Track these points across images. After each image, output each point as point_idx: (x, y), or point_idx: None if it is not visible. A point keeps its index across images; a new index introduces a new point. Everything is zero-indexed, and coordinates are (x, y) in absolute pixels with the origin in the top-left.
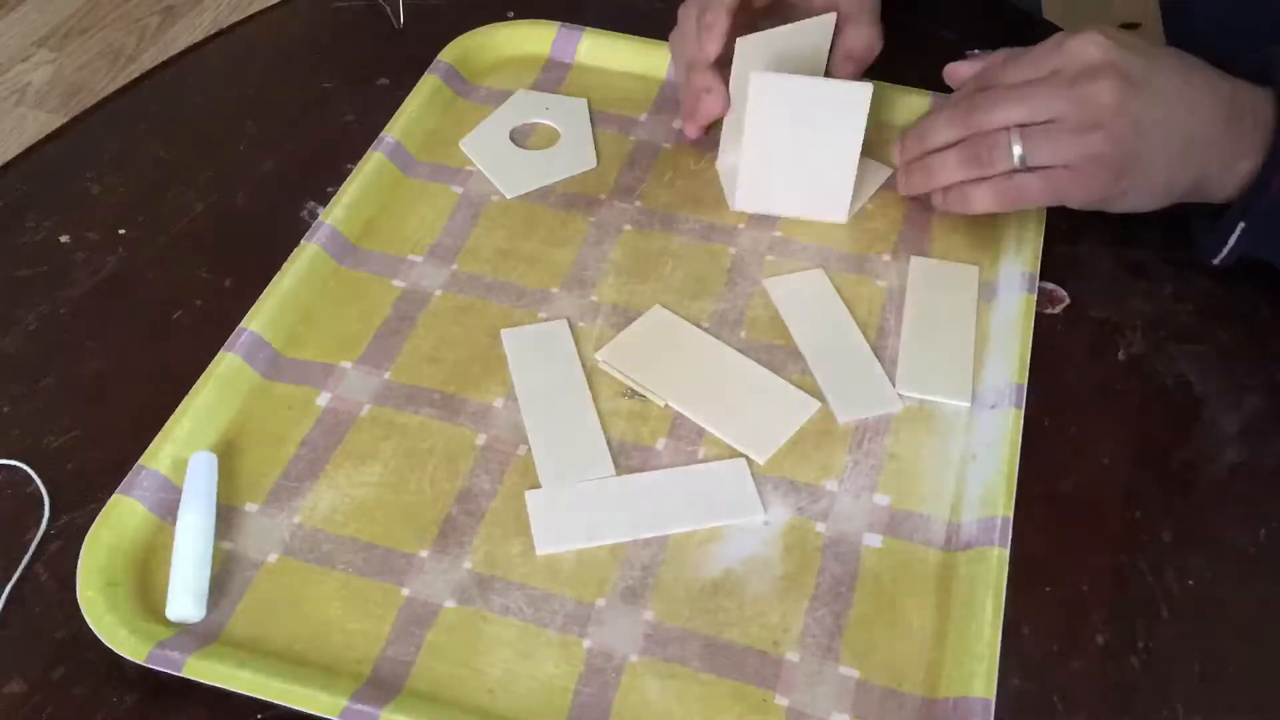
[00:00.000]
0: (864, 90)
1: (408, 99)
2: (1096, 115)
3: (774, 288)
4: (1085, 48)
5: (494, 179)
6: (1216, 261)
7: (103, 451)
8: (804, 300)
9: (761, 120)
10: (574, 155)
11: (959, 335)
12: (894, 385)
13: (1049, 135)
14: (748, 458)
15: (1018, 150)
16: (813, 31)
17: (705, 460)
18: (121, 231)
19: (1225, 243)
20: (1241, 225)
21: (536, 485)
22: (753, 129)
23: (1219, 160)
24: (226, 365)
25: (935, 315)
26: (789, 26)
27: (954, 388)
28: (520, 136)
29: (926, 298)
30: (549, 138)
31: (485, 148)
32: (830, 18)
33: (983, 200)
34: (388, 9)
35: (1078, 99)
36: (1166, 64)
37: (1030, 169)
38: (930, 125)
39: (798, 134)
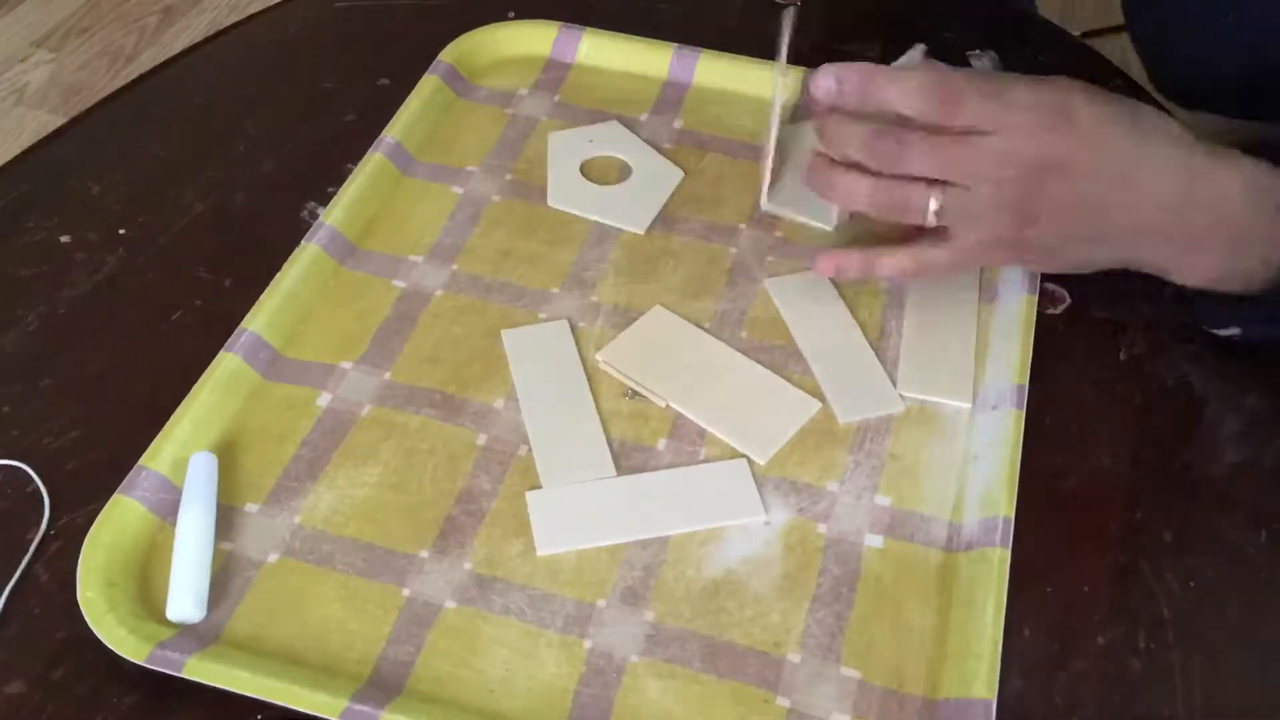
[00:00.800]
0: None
1: (408, 99)
2: (1014, 203)
3: (775, 288)
4: (1029, 129)
5: (616, 223)
6: (1223, 334)
7: (103, 451)
8: (805, 301)
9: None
10: (660, 174)
11: (959, 335)
12: (895, 386)
13: (965, 204)
14: (749, 458)
15: (933, 206)
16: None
17: (706, 460)
18: (121, 231)
19: (1227, 327)
20: (1236, 331)
21: (537, 485)
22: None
23: (1161, 251)
24: (226, 365)
25: (935, 315)
26: None
27: (955, 388)
28: (594, 175)
29: (926, 298)
30: (617, 167)
31: (577, 197)
32: (918, 50)
33: (889, 265)
34: None
35: (1000, 181)
36: (1116, 146)
37: (938, 231)
38: (831, 130)
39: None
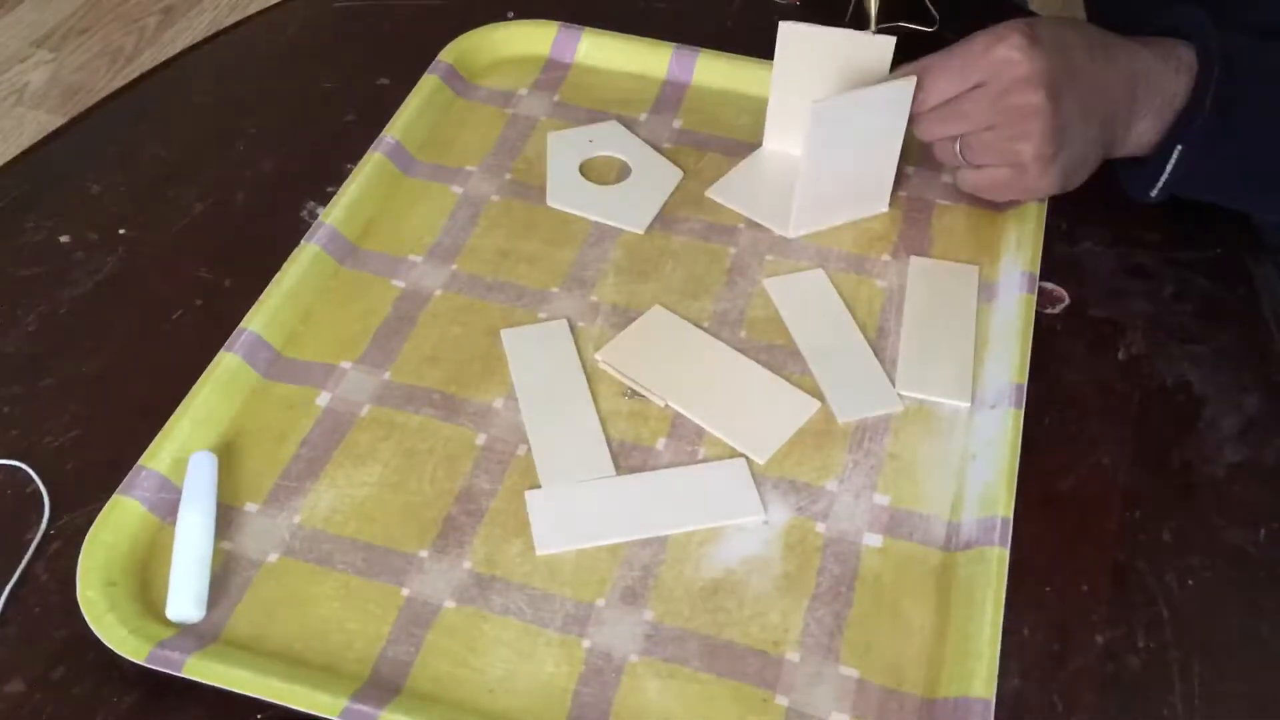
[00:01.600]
0: (908, 85)
1: (408, 99)
2: (1023, 127)
3: (774, 288)
4: (1009, 57)
5: (616, 223)
6: (1153, 194)
7: (103, 451)
8: (804, 300)
9: (818, 148)
10: (660, 174)
11: (959, 335)
12: (894, 385)
13: (983, 145)
14: (748, 458)
15: (959, 153)
16: (892, 96)
17: (705, 460)
18: (121, 231)
19: (1161, 173)
20: (1179, 150)
21: (537, 485)
22: (811, 159)
23: (1123, 127)
24: (226, 365)
25: (935, 315)
26: (867, 90)
27: (954, 388)
28: (594, 174)
29: (926, 298)
30: (617, 166)
31: (576, 197)
32: (910, 81)
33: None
34: None
35: (1003, 112)
36: (1081, 52)
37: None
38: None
39: (849, 150)
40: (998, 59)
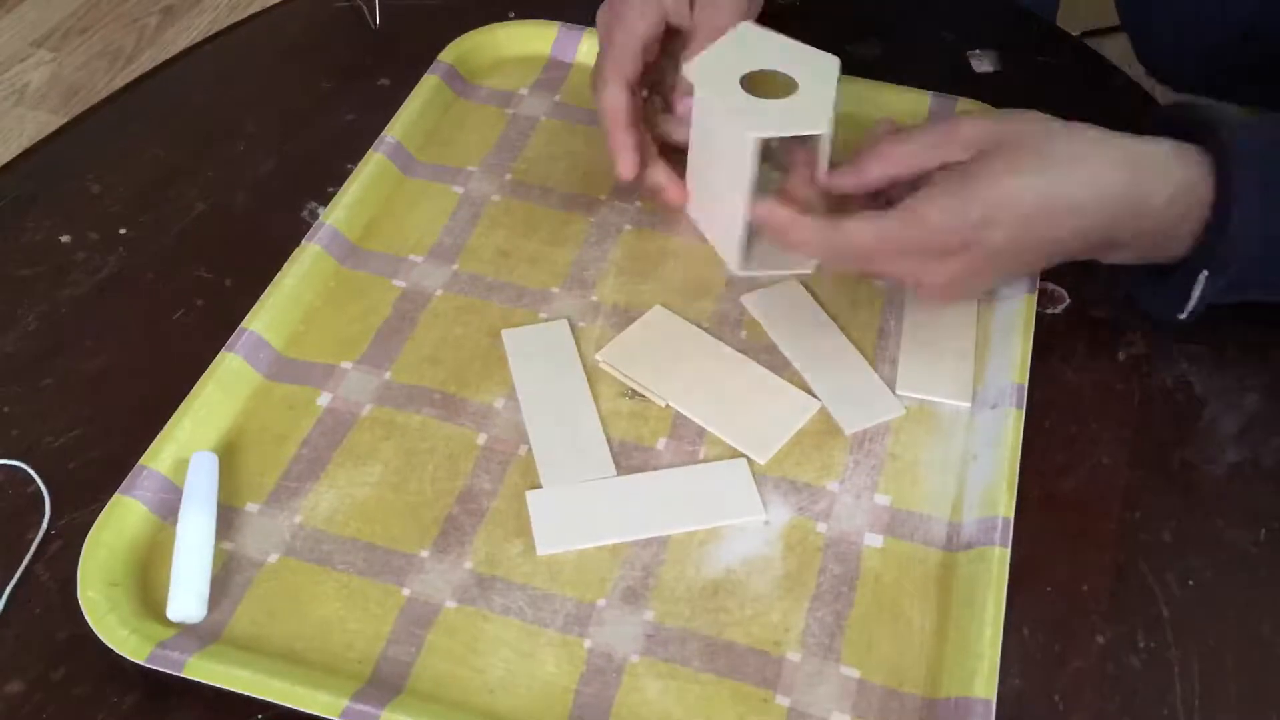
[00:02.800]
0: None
1: (408, 99)
2: (952, 289)
3: (752, 304)
4: (935, 220)
5: (723, 120)
6: (1184, 316)
7: (103, 451)
8: (784, 312)
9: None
10: (808, 112)
11: (959, 336)
12: (894, 386)
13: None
14: (749, 458)
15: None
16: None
17: (706, 460)
18: (121, 231)
19: (1189, 297)
20: (1205, 275)
21: (537, 485)
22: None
23: (1129, 252)
24: (227, 365)
25: (935, 316)
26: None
27: (955, 388)
28: (749, 83)
29: (922, 304)
30: (785, 87)
31: (714, 79)
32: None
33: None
34: (364, 8)
35: (926, 274)
36: (1056, 189)
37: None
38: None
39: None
40: (921, 218)
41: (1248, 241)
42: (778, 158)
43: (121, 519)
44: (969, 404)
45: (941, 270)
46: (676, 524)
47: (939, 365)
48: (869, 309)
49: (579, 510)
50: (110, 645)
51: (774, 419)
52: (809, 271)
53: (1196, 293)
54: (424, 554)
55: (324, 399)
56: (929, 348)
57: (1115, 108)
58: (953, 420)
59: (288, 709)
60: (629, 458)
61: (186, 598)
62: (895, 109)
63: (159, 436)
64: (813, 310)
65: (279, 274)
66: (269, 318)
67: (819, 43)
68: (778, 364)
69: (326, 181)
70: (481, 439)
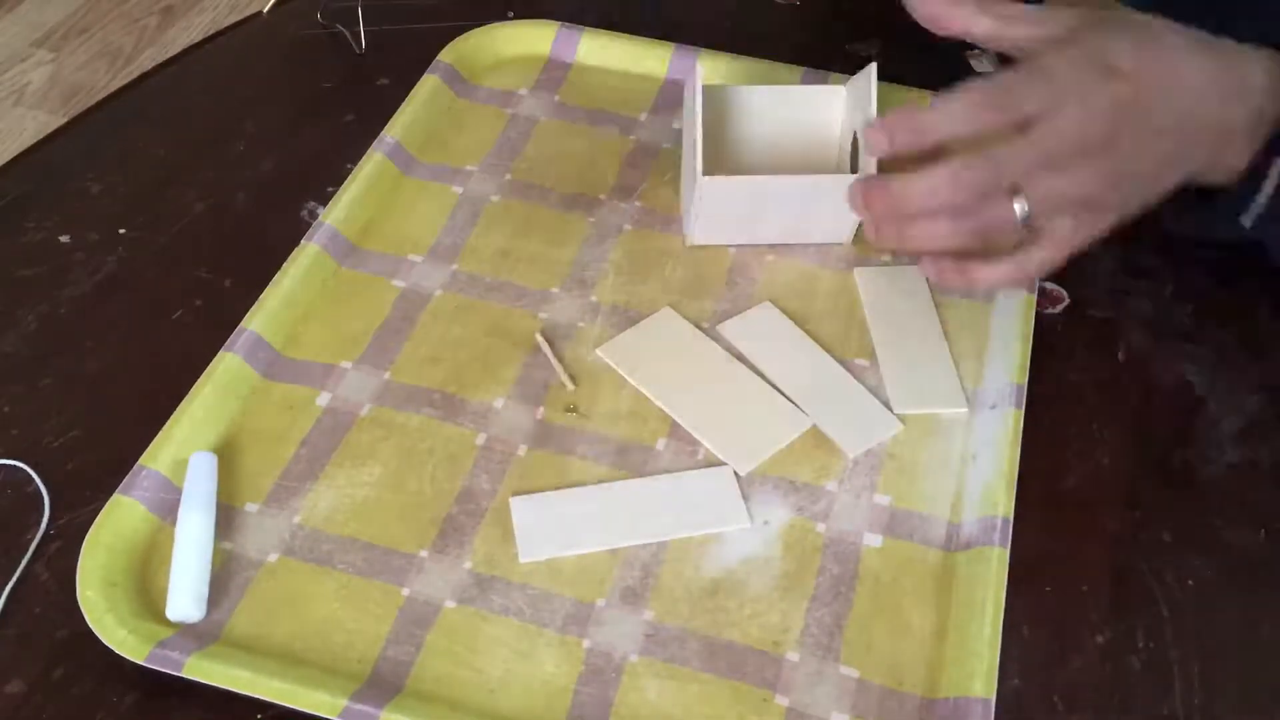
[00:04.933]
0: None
1: (408, 99)
2: (1110, 165)
3: (729, 331)
4: (1103, 82)
5: None
6: (1247, 222)
7: (103, 451)
8: (764, 338)
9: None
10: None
11: (932, 341)
12: (887, 406)
13: (1056, 199)
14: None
15: (1020, 212)
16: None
17: (704, 461)
18: (121, 231)
19: (1258, 190)
20: (1277, 164)
21: (536, 487)
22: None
23: (1209, 151)
24: (226, 365)
25: (901, 326)
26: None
27: (947, 397)
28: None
29: (886, 310)
30: None
31: None
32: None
33: (991, 279)
34: (348, 35)
35: (1090, 151)
36: (1160, 62)
37: (1031, 231)
38: (914, 186)
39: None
40: (1059, 102)
41: None
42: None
43: (121, 519)
44: (965, 409)
45: (1069, 184)
46: (661, 532)
47: (924, 377)
48: (847, 324)
49: (563, 518)
50: (109, 645)
51: (763, 431)
52: (843, 241)
53: (1269, 185)
54: (423, 554)
55: (323, 399)
56: (908, 361)
57: None
58: (952, 420)
59: (287, 709)
60: (628, 458)
61: (185, 598)
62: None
63: (158, 436)
64: (790, 331)
65: (278, 274)
66: (268, 317)
67: (818, 42)
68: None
69: (326, 181)
70: (481, 439)
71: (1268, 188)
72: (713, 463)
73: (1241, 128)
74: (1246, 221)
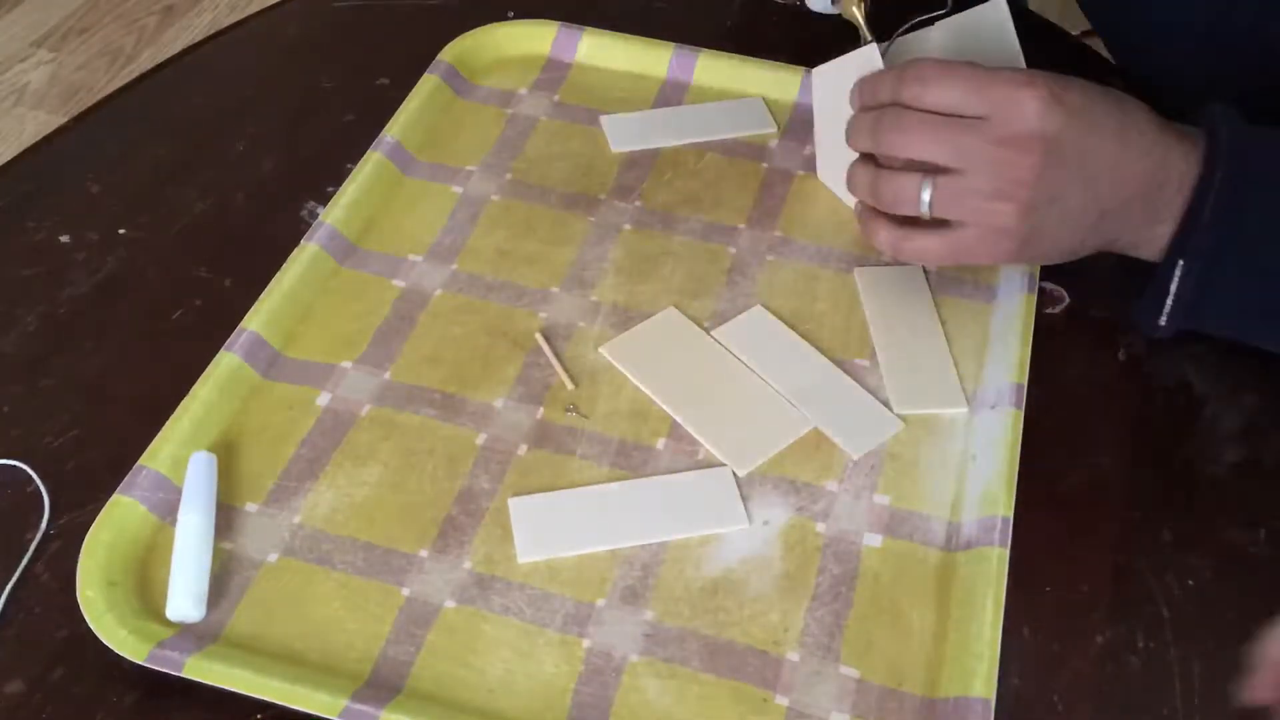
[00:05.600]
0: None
1: (408, 99)
2: (1012, 188)
3: (722, 336)
4: (1023, 106)
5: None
6: (1162, 322)
7: (103, 451)
8: (758, 340)
9: (825, 117)
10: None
11: (932, 341)
12: (888, 407)
13: (958, 193)
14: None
15: (925, 196)
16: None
17: (704, 461)
18: (121, 231)
19: (1165, 295)
20: (1180, 266)
21: (536, 487)
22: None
23: (1134, 227)
24: (226, 365)
25: (901, 326)
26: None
27: (947, 397)
28: None
29: (884, 310)
30: None
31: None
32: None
33: (882, 242)
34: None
35: (997, 163)
36: (1102, 126)
37: (933, 221)
38: (851, 126)
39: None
40: (1012, 100)
41: (1221, 226)
42: None
43: (120, 519)
44: (965, 409)
45: (983, 190)
46: (660, 533)
47: (924, 377)
48: (847, 324)
49: (561, 518)
50: (109, 645)
51: (763, 432)
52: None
53: (1173, 286)
54: (423, 554)
55: (323, 399)
56: (908, 361)
57: None
58: (952, 420)
59: (287, 709)
60: (628, 458)
61: (185, 597)
62: None
63: (158, 436)
64: (783, 334)
65: (278, 274)
66: (268, 317)
67: (819, 42)
68: None
69: (326, 181)
70: (481, 439)
71: (1173, 289)
72: (712, 463)
73: (1170, 209)
74: (1161, 321)
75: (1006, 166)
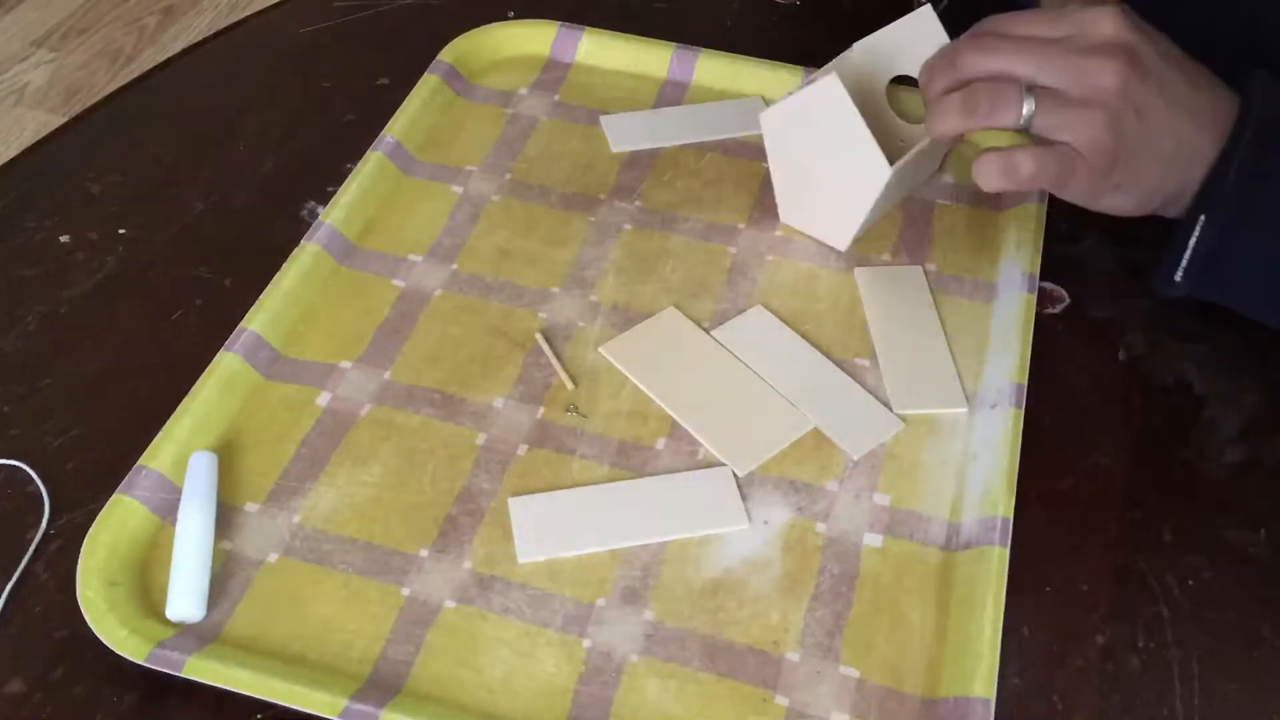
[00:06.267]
0: (834, 83)
1: (408, 99)
2: (1101, 95)
3: (722, 336)
4: (1101, 21)
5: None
6: (1177, 278)
7: (103, 451)
8: (758, 341)
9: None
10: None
11: (932, 341)
12: (887, 407)
13: (1053, 105)
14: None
15: (1027, 108)
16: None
17: (704, 461)
18: (121, 231)
19: (1184, 249)
20: (1202, 219)
21: (535, 487)
22: (774, 165)
23: (1200, 174)
24: (226, 365)
25: (901, 326)
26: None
27: (947, 397)
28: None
29: (885, 309)
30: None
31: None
32: (835, 79)
33: (991, 170)
34: None
35: (1083, 70)
36: (1178, 62)
37: (1032, 140)
38: (931, 67)
39: (814, 155)
40: (1089, 19)
41: (1246, 187)
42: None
43: (121, 519)
44: (964, 409)
45: (1099, 77)
46: (659, 533)
47: (924, 377)
48: (847, 324)
49: (561, 518)
50: (109, 645)
51: (763, 432)
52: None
53: (1193, 240)
54: (423, 554)
55: (323, 399)
56: (909, 361)
57: None
58: (952, 420)
59: (287, 709)
60: (628, 458)
61: (185, 597)
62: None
63: (158, 436)
64: (783, 334)
65: (278, 274)
66: (268, 317)
67: (819, 42)
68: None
69: (326, 181)
70: (481, 439)
71: (1191, 243)
72: (712, 463)
73: (1201, 164)
74: (1176, 277)
75: (1091, 73)
